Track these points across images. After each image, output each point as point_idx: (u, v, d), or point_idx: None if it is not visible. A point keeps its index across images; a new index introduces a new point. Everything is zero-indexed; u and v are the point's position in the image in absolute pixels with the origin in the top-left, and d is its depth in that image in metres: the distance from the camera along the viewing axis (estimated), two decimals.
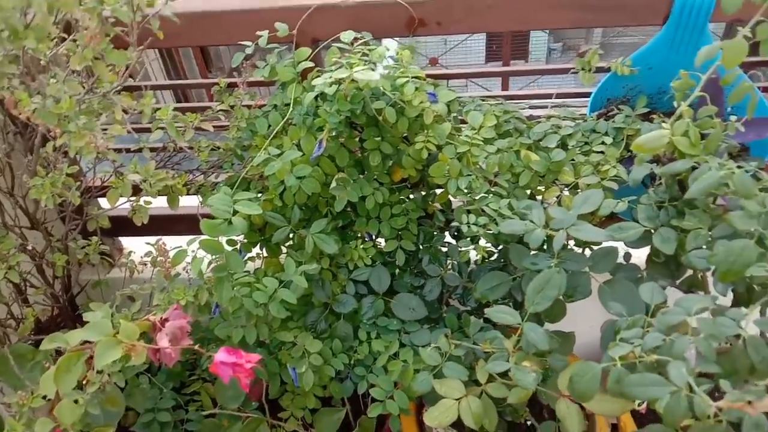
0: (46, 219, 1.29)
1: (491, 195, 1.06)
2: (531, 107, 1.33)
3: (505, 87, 2.76)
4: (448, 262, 1.26)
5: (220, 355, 0.73)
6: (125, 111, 0.92)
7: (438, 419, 0.96)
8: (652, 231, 0.92)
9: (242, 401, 1.21)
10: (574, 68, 1.20)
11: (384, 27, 1.19)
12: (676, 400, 0.57)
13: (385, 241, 1.25)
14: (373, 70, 1.03)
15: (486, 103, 1.16)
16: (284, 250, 1.27)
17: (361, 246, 1.22)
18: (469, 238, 1.08)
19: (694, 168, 0.83)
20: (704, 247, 0.80)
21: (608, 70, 1.19)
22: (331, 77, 0.99)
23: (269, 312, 1.05)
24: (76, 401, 0.84)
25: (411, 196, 1.27)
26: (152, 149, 1.29)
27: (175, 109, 1.10)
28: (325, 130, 1.06)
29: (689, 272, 0.99)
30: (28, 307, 1.26)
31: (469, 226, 1.03)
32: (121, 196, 1.08)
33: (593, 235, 0.91)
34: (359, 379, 1.19)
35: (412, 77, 1.03)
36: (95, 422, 0.97)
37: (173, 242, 1.41)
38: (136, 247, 1.73)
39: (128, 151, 1.32)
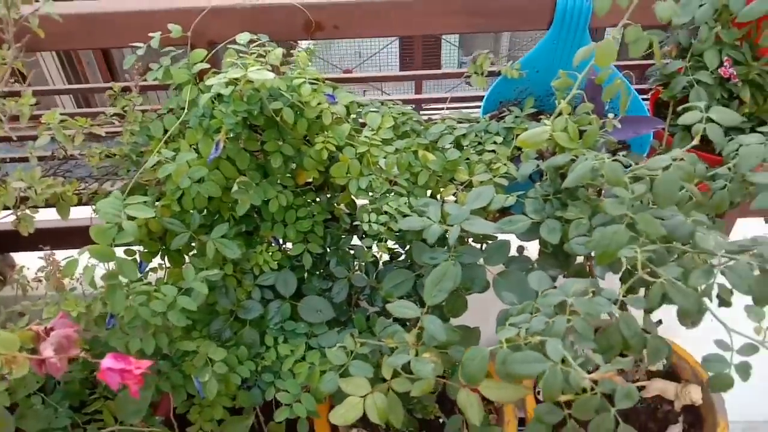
0: None
1: (392, 194, 1.08)
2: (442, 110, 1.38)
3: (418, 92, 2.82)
4: (356, 263, 1.28)
5: (107, 361, 0.70)
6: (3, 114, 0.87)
7: (343, 417, 0.96)
8: (540, 223, 0.97)
9: (145, 416, 1.17)
10: (467, 73, 1.25)
11: (281, 30, 1.19)
12: (552, 374, 0.60)
13: (292, 244, 1.24)
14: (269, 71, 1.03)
15: (384, 105, 1.19)
16: (188, 258, 1.24)
17: (266, 250, 1.21)
18: (371, 237, 1.09)
19: (573, 161, 0.88)
20: (585, 234, 0.85)
21: (500, 74, 1.25)
22: (225, 77, 0.98)
23: (168, 321, 1.03)
24: None
25: (317, 199, 1.27)
26: (40, 157, 1.23)
27: (70, 114, 1.06)
28: (222, 132, 1.05)
29: (579, 261, 1.06)
30: None
31: (370, 225, 1.05)
32: (5, 208, 1.02)
33: (484, 228, 0.95)
34: (267, 385, 1.17)
35: (310, 79, 1.04)
36: None
37: (67, 255, 1.35)
38: (30, 262, 1.63)
39: (13, 160, 1.25)
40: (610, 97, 0.94)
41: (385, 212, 1.05)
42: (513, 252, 1.07)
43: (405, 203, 1.05)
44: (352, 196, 1.13)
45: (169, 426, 1.24)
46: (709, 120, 0.84)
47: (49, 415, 1.13)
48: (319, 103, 1.05)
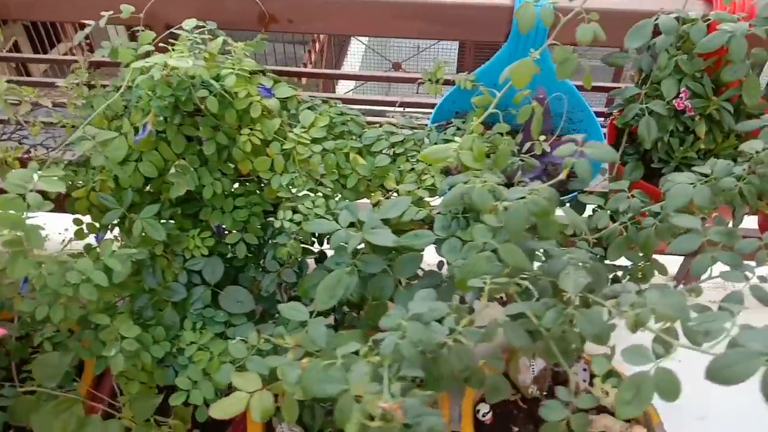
0: None
1: (315, 194, 1.07)
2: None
3: None
4: (291, 258, 1.27)
5: None
6: None
7: (223, 410, 0.96)
8: (443, 240, 0.94)
9: (64, 380, 1.20)
10: (421, 79, 1.22)
11: (235, 19, 1.20)
12: (346, 399, 0.58)
13: (228, 233, 1.25)
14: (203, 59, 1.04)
15: (327, 104, 1.17)
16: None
17: (198, 235, 1.22)
18: (286, 235, 1.08)
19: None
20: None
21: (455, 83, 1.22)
22: (150, 61, 0.99)
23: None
24: None
25: (261, 189, 1.27)
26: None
27: (23, 83, 1.09)
28: (150, 115, 1.06)
29: None
30: None
31: (282, 223, 1.04)
32: None
33: (384, 240, 0.93)
34: (181, 368, 1.19)
35: (239, 69, 1.04)
36: None
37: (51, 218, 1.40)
38: None
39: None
40: (522, 119, 0.90)
41: (299, 211, 1.04)
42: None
43: (322, 204, 1.04)
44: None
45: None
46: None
47: None
48: (248, 95, 1.05)
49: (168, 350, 1.18)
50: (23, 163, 1.18)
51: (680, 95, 1.06)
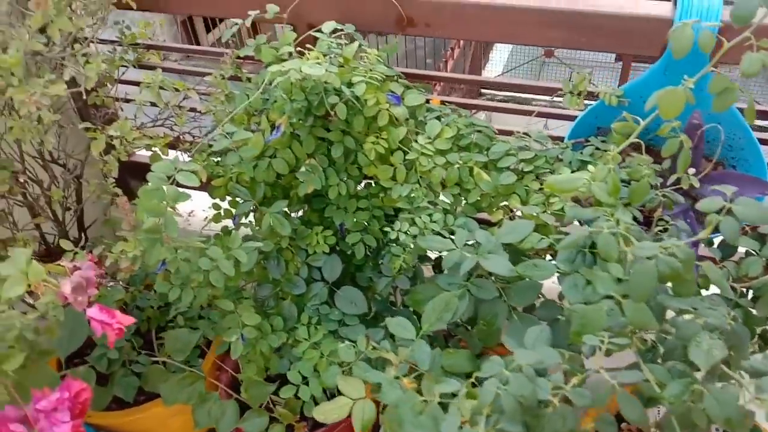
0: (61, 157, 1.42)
1: (434, 207, 1.05)
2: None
3: None
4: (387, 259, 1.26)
5: (92, 311, 0.80)
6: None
7: (325, 414, 0.98)
8: (565, 275, 0.87)
9: (191, 356, 1.30)
10: (561, 92, 1.14)
11: (373, 22, 1.19)
12: None
13: (350, 233, 1.27)
14: (336, 65, 1.05)
15: (456, 114, 1.14)
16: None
17: (322, 233, 1.25)
18: (401, 247, 1.07)
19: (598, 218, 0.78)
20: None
21: (598, 97, 1.12)
22: (285, 67, 1.01)
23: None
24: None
25: (383, 192, 1.27)
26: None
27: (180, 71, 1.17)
28: (284, 117, 1.09)
29: None
30: (40, 235, 1.41)
31: (398, 235, 1.03)
32: (98, 149, 1.18)
33: (499, 267, 0.88)
34: (295, 359, 1.23)
35: (370, 77, 1.03)
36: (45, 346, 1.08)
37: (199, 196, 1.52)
38: None
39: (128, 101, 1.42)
40: (668, 154, 0.80)
41: (416, 224, 1.02)
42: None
43: (440, 220, 1.01)
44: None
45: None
46: None
47: None
48: (377, 103, 1.04)
49: (284, 341, 1.23)
50: (173, 148, 1.27)
51: None
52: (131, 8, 1.01)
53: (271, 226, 1.20)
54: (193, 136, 1.36)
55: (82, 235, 1.60)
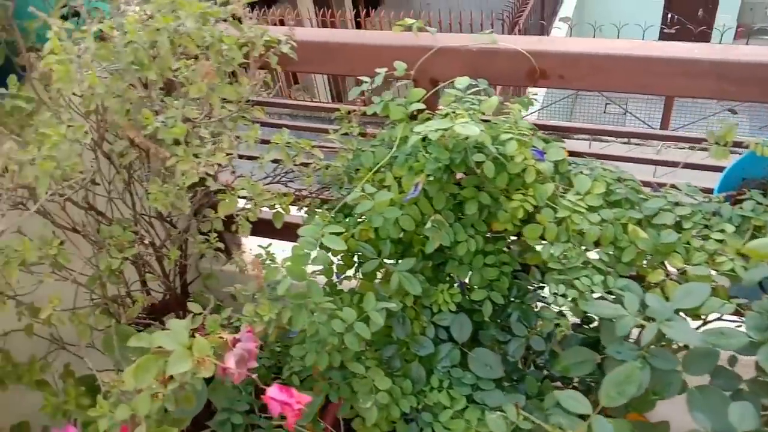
0: (171, 213, 1.42)
1: (587, 267, 1.00)
2: None
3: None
4: (539, 322, 1.21)
5: (272, 390, 0.77)
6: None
7: None
8: (760, 344, 0.81)
9: (312, 419, 1.25)
10: (706, 143, 1.10)
11: (504, 75, 1.17)
12: None
13: (475, 289, 1.22)
14: (479, 120, 1.02)
15: (600, 167, 1.10)
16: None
17: (448, 290, 1.21)
18: (556, 309, 1.02)
19: None
20: None
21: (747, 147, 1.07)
22: (433, 126, 0.99)
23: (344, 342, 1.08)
24: (156, 395, 0.93)
25: (507, 248, 1.23)
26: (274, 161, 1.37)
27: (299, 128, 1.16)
28: (422, 174, 1.06)
29: None
30: (145, 291, 1.39)
31: (556, 298, 0.98)
32: (228, 210, 1.16)
33: (687, 337, 0.83)
34: (425, 425, 1.18)
35: (518, 134, 1.00)
36: (176, 415, 1.05)
37: (282, 246, 1.49)
38: (253, 243, 1.86)
39: (245, 157, 1.41)
40: None
41: (575, 286, 0.97)
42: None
43: (600, 282, 0.96)
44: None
45: (336, 428, 1.32)
46: None
47: (234, 395, 1.27)
48: (524, 159, 1.01)
49: (414, 405, 1.18)
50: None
51: None
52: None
53: (399, 286, 1.16)
54: (310, 192, 1.34)
55: (184, 291, 1.58)
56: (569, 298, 0.97)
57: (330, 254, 1.23)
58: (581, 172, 1.07)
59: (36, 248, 0.93)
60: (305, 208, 1.37)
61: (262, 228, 1.29)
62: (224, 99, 0.88)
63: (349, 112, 1.32)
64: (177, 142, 0.85)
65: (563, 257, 1.01)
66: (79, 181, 0.94)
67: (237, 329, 1.27)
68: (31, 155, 0.81)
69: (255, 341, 0.88)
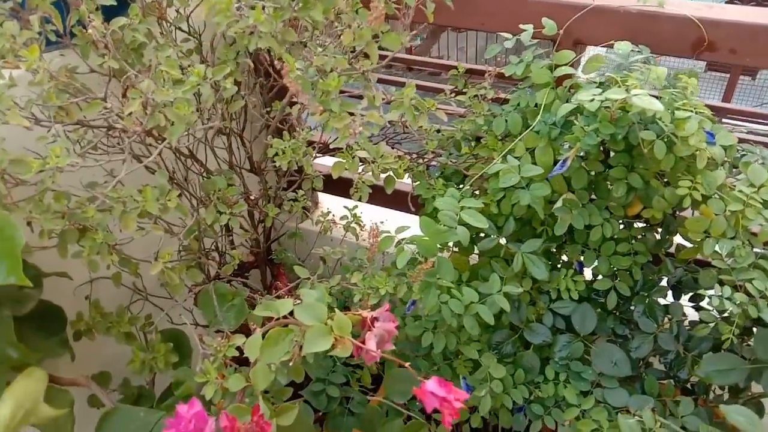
0: (266, 167, 1.33)
1: (757, 270, 0.89)
2: None
3: None
4: (665, 320, 1.11)
5: (432, 385, 0.68)
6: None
7: None
8: None
9: (409, 399, 1.18)
10: None
11: (664, 43, 1.04)
12: None
13: (599, 277, 1.12)
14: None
15: None
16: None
17: (572, 276, 1.11)
18: (716, 313, 0.92)
19: None
20: None
21: None
22: (601, 95, 0.87)
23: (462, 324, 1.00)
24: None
25: (642, 235, 1.12)
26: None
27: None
28: (573, 149, 0.95)
29: None
30: (232, 248, 1.32)
31: (721, 300, 0.87)
32: (341, 171, 1.07)
33: None
34: (535, 417, 1.10)
35: (697, 112, 0.88)
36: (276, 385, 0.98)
37: (369, 210, 1.39)
38: (330, 203, 1.77)
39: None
40: None
41: (742, 289, 0.86)
42: None
43: None
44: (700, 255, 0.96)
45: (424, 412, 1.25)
46: None
47: (328, 365, 1.20)
48: (699, 141, 0.89)
49: (526, 396, 1.09)
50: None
51: None
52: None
53: (523, 267, 1.07)
54: (419, 156, 1.24)
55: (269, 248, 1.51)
56: (738, 302, 0.86)
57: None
58: (753, 162, 0.95)
59: (154, 199, 0.85)
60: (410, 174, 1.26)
61: (336, 187, 1.19)
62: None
63: (473, 72, 1.20)
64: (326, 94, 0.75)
65: (730, 256, 0.89)
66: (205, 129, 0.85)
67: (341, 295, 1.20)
68: (170, 96, 0.72)
69: (394, 320, 0.79)
